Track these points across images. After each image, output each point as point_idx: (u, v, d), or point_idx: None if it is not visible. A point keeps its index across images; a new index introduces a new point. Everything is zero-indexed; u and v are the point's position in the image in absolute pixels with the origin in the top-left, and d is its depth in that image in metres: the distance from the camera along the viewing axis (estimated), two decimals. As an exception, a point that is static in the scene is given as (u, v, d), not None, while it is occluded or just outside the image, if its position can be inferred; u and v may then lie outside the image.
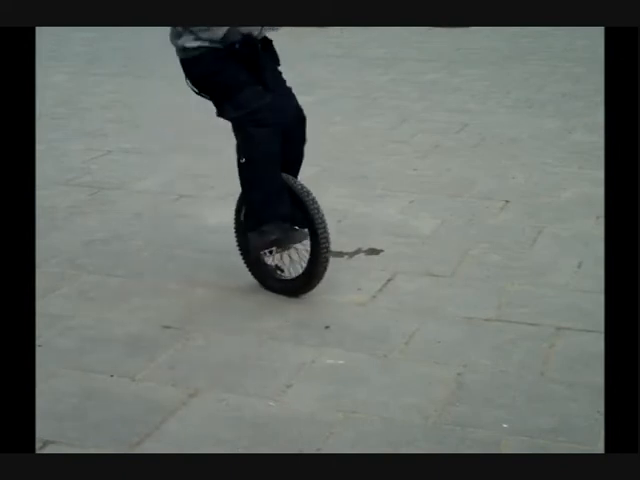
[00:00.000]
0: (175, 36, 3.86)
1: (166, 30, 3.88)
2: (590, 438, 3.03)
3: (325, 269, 4.01)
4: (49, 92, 8.17)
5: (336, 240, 4.80)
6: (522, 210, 5.28)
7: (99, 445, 3.00)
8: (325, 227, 3.94)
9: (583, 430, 3.08)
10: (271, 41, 3.96)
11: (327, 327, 3.82)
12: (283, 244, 4.01)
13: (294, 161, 4.08)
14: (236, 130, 3.89)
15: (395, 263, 4.50)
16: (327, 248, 3.96)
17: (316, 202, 3.96)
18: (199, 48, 3.82)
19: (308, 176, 5.93)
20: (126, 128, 7.23)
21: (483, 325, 3.85)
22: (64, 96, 8.45)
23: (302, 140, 4.07)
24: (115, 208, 5.42)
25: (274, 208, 3.93)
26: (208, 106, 4.02)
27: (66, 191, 5.69)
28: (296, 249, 4.08)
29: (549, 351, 3.62)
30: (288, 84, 4.01)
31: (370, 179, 5.89)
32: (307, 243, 4.00)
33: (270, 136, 3.84)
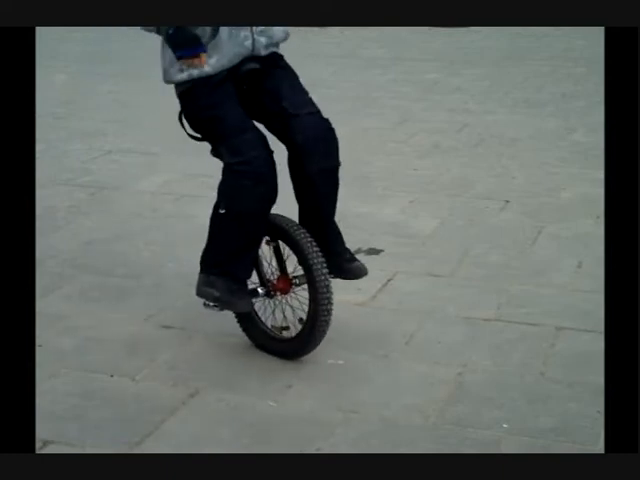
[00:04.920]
0: (163, 74, 3.44)
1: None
2: (590, 438, 3.03)
3: (323, 336, 3.49)
4: (49, 92, 8.17)
5: (336, 240, 4.81)
6: (522, 210, 5.27)
7: (99, 445, 3.00)
8: (328, 287, 3.40)
9: (583, 430, 3.08)
10: (281, 56, 3.49)
11: (327, 327, 3.82)
12: (222, 306, 3.48)
13: (317, 186, 3.46)
14: (226, 176, 3.40)
15: (395, 263, 4.50)
16: (328, 314, 3.43)
17: (321, 259, 3.40)
18: (188, 81, 3.37)
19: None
20: (126, 128, 7.23)
21: (483, 325, 3.85)
22: (64, 96, 8.44)
23: (327, 157, 3.43)
24: (115, 208, 5.42)
25: (233, 266, 3.45)
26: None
27: (66, 191, 5.69)
28: (298, 301, 3.59)
29: (549, 351, 3.62)
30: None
31: (370, 179, 5.89)
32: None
33: (262, 195, 3.35)
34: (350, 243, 4.74)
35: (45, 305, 3.96)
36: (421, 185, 5.76)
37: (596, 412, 3.13)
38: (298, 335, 3.55)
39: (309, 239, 3.43)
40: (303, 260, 3.42)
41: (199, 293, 3.52)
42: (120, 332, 3.80)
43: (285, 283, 3.56)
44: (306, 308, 3.48)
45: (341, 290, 4.16)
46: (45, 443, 3.00)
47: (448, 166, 6.18)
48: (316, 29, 11.62)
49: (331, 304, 3.42)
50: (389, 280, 4.30)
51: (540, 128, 7.17)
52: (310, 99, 3.48)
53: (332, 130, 3.46)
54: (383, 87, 8.83)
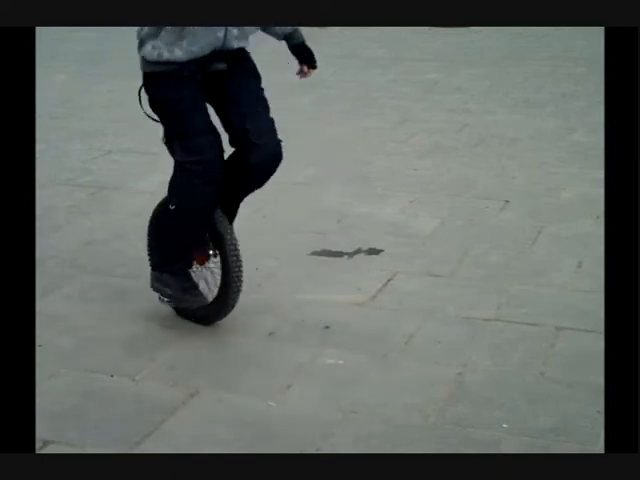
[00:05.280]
0: (139, 43, 3.50)
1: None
2: (590, 438, 3.03)
3: (237, 297, 3.74)
4: (49, 92, 8.17)
5: (336, 240, 4.81)
6: (522, 210, 5.27)
7: (99, 445, 3.00)
8: (238, 255, 3.68)
9: (583, 430, 3.08)
10: (248, 55, 3.59)
11: (327, 327, 3.82)
12: (175, 304, 3.77)
13: (246, 190, 3.74)
14: (177, 174, 3.59)
15: (395, 263, 4.50)
16: (239, 276, 3.69)
17: (233, 232, 3.70)
18: (165, 63, 3.41)
19: (308, 176, 5.96)
20: (126, 128, 7.23)
21: (483, 325, 3.85)
22: (64, 96, 8.45)
23: (267, 178, 3.66)
24: (115, 208, 5.42)
25: (183, 262, 3.70)
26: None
27: (66, 191, 5.69)
28: (212, 272, 3.82)
29: (549, 351, 3.62)
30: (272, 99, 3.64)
31: (370, 179, 5.89)
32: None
33: (211, 194, 3.53)
34: (350, 243, 4.76)
35: (45, 305, 3.95)
36: (421, 185, 5.75)
37: (596, 412, 3.13)
38: (216, 299, 3.76)
39: (220, 212, 3.66)
40: (213, 230, 3.69)
41: (153, 288, 3.75)
42: (120, 332, 3.80)
43: (203, 254, 3.77)
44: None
45: (341, 290, 4.17)
46: (45, 443, 3.00)
47: (448, 166, 6.18)
48: (316, 29, 11.62)
49: (241, 265, 3.67)
50: (389, 280, 4.30)
51: (540, 128, 7.17)
52: (271, 122, 3.60)
53: (281, 156, 3.61)
54: (383, 87, 8.83)
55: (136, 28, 3.48)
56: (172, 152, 3.57)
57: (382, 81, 9.14)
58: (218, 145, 3.51)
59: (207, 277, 3.85)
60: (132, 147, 6.72)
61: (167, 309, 3.99)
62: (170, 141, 3.55)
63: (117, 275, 4.40)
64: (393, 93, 8.55)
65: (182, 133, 3.48)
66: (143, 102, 3.62)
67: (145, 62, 3.50)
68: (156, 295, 4.13)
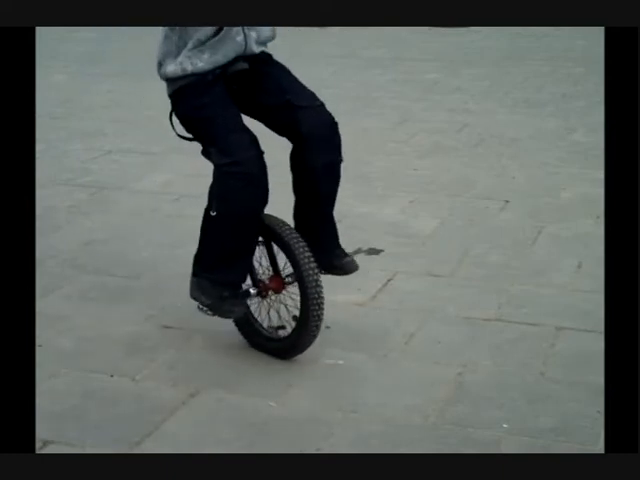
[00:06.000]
0: (157, 66, 3.40)
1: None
2: (590, 438, 3.03)
3: (315, 334, 3.48)
4: (49, 92, 8.17)
5: (336, 240, 4.81)
6: (522, 210, 5.28)
7: (99, 445, 3.00)
8: (317, 284, 3.38)
9: (583, 430, 3.08)
10: (270, 55, 3.51)
11: (327, 327, 3.82)
12: (214, 313, 3.45)
13: (318, 183, 3.46)
14: (216, 179, 3.38)
15: (395, 263, 4.50)
16: (318, 311, 3.41)
17: (310, 258, 3.39)
18: (185, 77, 3.34)
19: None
20: (126, 128, 7.24)
21: (483, 325, 3.85)
22: (64, 96, 8.45)
23: (332, 151, 3.42)
24: (115, 208, 5.42)
25: (225, 272, 3.42)
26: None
27: (66, 191, 5.70)
28: (286, 306, 3.62)
29: (549, 351, 3.62)
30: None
31: (370, 179, 5.89)
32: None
33: (254, 197, 3.32)
34: (350, 243, 4.74)
35: (45, 305, 3.96)
36: (421, 185, 5.76)
37: (596, 412, 3.13)
38: (292, 333, 3.55)
39: (297, 238, 3.40)
40: (291, 258, 3.41)
41: (192, 296, 3.52)
42: (120, 332, 3.80)
43: (278, 283, 3.55)
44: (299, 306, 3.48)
45: (341, 290, 4.17)
46: (45, 443, 3.00)
47: (448, 166, 6.18)
48: (316, 29, 11.63)
49: (322, 301, 3.40)
50: (389, 280, 4.30)
51: (540, 128, 7.18)
52: (313, 93, 3.50)
53: (336, 124, 3.47)
54: (383, 87, 8.83)
55: (156, 51, 3.40)
56: (211, 158, 3.40)
57: (382, 81, 9.14)
58: (254, 144, 3.31)
59: (287, 304, 3.62)
60: (132, 147, 6.72)
61: (168, 309, 3.99)
62: (207, 149, 3.40)
63: (117, 275, 4.40)
64: (393, 93, 8.55)
65: (214, 137, 3.33)
66: (175, 124, 3.48)
67: (169, 82, 3.40)
68: (155, 295, 4.15)
